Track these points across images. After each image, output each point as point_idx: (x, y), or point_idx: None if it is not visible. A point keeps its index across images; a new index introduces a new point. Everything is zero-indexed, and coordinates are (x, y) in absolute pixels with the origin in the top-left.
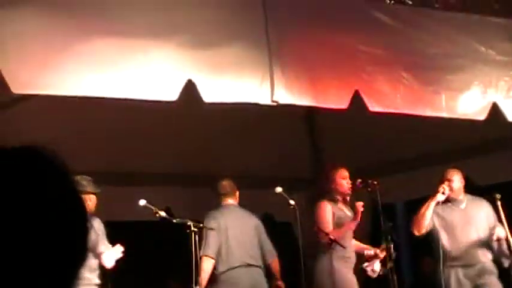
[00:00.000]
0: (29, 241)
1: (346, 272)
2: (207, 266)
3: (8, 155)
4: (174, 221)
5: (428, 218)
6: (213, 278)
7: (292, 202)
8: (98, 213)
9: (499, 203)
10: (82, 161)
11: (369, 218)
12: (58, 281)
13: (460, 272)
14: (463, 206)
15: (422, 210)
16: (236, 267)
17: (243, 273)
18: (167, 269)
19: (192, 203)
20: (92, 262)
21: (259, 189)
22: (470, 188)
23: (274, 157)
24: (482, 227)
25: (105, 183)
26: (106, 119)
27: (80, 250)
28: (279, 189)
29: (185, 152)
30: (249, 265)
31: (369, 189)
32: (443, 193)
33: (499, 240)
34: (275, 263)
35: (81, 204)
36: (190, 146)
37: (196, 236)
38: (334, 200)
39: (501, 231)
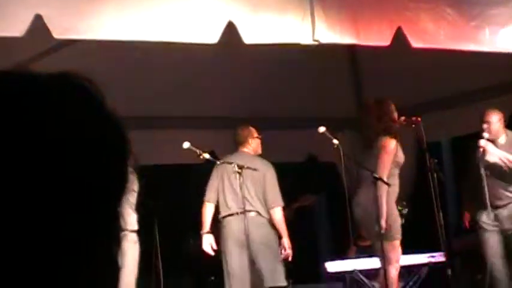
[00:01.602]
0: (59, 164)
1: (394, 206)
2: (205, 211)
3: (39, 79)
4: (218, 162)
5: None
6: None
7: (335, 141)
8: (144, 156)
9: None
10: (127, 105)
11: (414, 155)
12: (100, 212)
13: (492, 213)
14: (500, 145)
15: None
16: (231, 215)
17: (236, 220)
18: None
19: (235, 146)
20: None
21: (302, 130)
22: None
23: (317, 97)
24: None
25: (149, 127)
26: (149, 62)
27: (119, 178)
28: (322, 129)
29: (227, 94)
30: (245, 211)
31: (413, 125)
32: None
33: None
34: (275, 213)
35: (119, 130)
36: (232, 88)
37: (241, 177)
38: (394, 136)
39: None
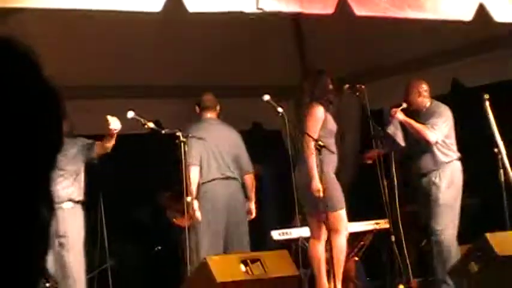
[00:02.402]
0: None
1: (333, 176)
2: (194, 174)
3: None
4: (163, 132)
5: None
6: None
7: (280, 109)
8: (87, 126)
9: (487, 103)
10: (70, 75)
11: (359, 123)
12: (32, 173)
13: (416, 183)
14: (422, 115)
15: None
16: (214, 180)
17: (220, 186)
18: (158, 180)
19: (180, 115)
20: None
21: (247, 98)
22: (458, 90)
23: (261, 65)
24: None
25: (94, 96)
26: (93, 32)
27: (51, 141)
28: (266, 97)
29: (171, 63)
30: (227, 177)
31: (357, 93)
32: None
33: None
34: (249, 178)
35: (52, 92)
36: (176, 57)
37: (186, 146)
38: (324, 106)
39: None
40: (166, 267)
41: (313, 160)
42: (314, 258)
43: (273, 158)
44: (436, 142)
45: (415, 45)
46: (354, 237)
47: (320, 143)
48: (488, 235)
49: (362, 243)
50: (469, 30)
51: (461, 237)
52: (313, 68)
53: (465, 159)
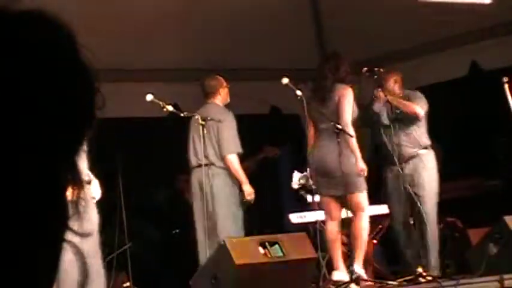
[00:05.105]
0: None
1: (352, 156)
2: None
3: (12, 15)
4: (182, 114)
5: None
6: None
7: (299, 92)
8: (106, 109)
9: (506, 86)
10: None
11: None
12: (66, 144)
13: (395, 169)
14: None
15: None
16: (194, 167)
17: (193, 176)
18: (175, 163)
19: (198, 98)
20: None
21: (265, 81)
22: (477, 73)
23: (280, 48)
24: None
25: (112, 80)
26: (112, 15)
27: (84, 116)
28: (285, 80)
29: (189, 46)
30: (199, 166)
31: (375, 77)
32: None
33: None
34: (229, 160)
35: (87, 67)
36: (195, 40)
37: (205, 130)
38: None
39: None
40: (184, 250)
41: (355, 141)
42: (333, 239)
43: (292, 141)
44: (422, 117)
45: (433, 28)
46: (371, 221)
47: (338, 126)
48: (507, 218)
49: (380, 226)
50: (488, 13)
51: (481, 220)
52: (332, 50)
53: (484, 142)
